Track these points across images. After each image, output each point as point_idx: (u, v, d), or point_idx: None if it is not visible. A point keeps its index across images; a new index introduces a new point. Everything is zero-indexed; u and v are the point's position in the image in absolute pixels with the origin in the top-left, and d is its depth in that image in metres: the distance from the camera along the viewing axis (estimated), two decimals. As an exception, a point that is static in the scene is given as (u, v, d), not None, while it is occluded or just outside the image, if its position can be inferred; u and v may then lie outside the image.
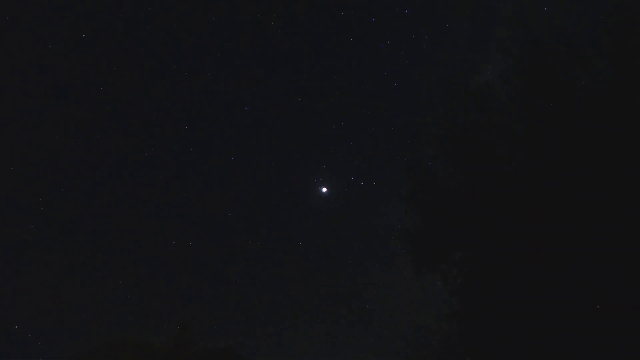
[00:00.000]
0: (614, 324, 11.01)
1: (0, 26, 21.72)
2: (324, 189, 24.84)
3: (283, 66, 26.13)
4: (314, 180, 25.25)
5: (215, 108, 26.83)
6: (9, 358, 20.12)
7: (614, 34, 12.06)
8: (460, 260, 14.16)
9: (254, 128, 26.86)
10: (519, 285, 12.27)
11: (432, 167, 14.61)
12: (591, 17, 12.91)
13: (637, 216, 11.05)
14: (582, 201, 11.65)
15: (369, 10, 24.01)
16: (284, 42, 25.09)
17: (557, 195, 11.98)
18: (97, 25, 23.18)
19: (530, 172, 12.53)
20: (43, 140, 24.42)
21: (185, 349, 19.01)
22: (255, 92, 26.39)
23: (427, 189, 14.52)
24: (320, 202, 25.30)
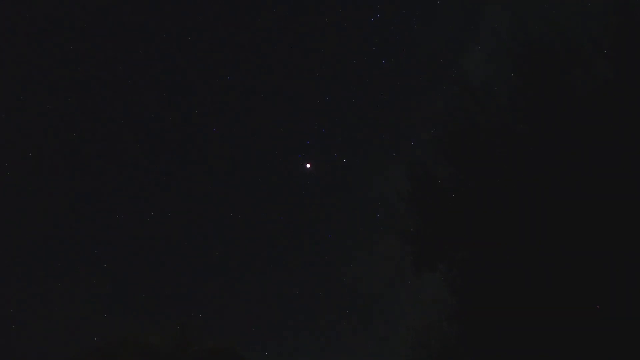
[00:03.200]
0: (614, 324, 11.01)
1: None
2: (308, 165, 24.53)
3: (267, 37, 25.23)
4: (297, 156, 24.91)
5: (196, 78, 25.85)
6: (9, 358, 20.14)
7: (614, 34, 12.06)
8: (460, 260, 14.16)
9: (235, 100, 26.07)
10: (519, 285, 12.27)
11: (432, 167, 14.61)
12: (591, 17, 12.90)
13: (638, 216, 11.05)
14: (582, 201, 11.65)
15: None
16: (268, 12, 24.30)
17: (558, 195, 11.98)
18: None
19: (530, 172, 12.52)
20: (37, 139, 24.18)
21: (185, 349, 19.02)
22: (238, 63, 25.57)
23: (427, 189, 14.52)
24: (304, 179, 24.90)
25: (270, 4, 23.93)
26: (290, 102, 26.36)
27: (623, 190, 11.28)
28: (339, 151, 25.54)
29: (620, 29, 11.95)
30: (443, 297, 14.39)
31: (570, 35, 12.67)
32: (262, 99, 26.14)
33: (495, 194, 13.00)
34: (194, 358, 19.05)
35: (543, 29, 12.99)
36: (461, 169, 14.06)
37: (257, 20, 24.38)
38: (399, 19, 23.41)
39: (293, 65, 25.30)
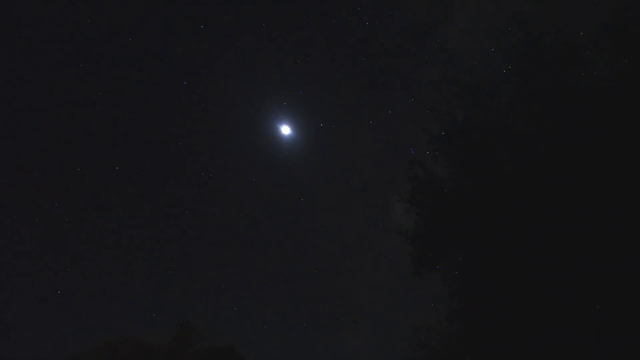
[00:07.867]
0: (613, 324, 11.01)
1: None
2: (286, 129, 24.22)
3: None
4: (273, 117, 24.57)
5: (168, 34, 24.97)
6: (9, 358, 20.15)
7: (614, 34, 12.07)
8: (460, 261, 14.17)
9: (210, 57, 25.35)
10: (519, 285, 12.27)
11: (432, 167, 14.62)
12: (591, 18, 12.92)
13: (637, 216, 11.04)
14: (582, 201, 11.65)
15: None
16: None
17: (557, 195, 11.98)
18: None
19: (530, 172, 12.52)
20: (39, 140, 24.06)
21: (185, 349, 19.06)
22: (215, 21, 24.70)
23: (427, 189, 14.52)
24: (279, 141, 24.49)
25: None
26: (268, 61, 25.72)
27: (623, 189, 11.28)
28: (315, 115, 25.09)
29: (620, 29, 11.95)
30: (443, 297, 14.42)
31: (570, 35, 12.68)
32: (238, 56, 25.41)
33: (495, 193, 12.99)
34: (194, 358, 19.08)
35: (543, 29, 13.00)
36: (461, 169, 14.06)
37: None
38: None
39: (272, 24, 24.65)
